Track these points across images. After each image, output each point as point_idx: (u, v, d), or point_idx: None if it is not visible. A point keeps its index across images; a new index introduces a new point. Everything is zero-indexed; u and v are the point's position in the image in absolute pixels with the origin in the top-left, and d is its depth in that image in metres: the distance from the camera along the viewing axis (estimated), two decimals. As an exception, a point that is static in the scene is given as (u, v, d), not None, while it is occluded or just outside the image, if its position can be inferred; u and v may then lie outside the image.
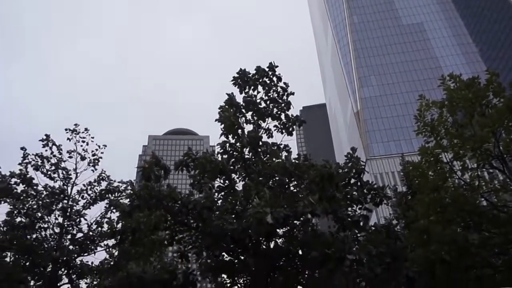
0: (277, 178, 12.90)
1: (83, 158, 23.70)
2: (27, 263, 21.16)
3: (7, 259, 21.21)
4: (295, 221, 12.56)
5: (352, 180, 12.99)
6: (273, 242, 13.96)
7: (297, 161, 12.62)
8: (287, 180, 12.91)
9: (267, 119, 14.91)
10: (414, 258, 14.24)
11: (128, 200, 11.83)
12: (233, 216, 11.56)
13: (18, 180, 21.29)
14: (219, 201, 13.55)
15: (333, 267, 9.17)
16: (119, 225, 15.89)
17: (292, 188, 13.25)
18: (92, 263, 22.44)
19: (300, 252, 13.02)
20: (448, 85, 14.42)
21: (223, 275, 15.69)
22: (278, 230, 12.30)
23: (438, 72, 74.94)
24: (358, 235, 12.80)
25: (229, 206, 11.39)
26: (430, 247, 13.25)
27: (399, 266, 10.83)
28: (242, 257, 13.74)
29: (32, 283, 20.89)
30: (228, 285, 15.65)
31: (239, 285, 15.91)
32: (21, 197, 21.17)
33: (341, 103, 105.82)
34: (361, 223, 10.39)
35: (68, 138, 23.41)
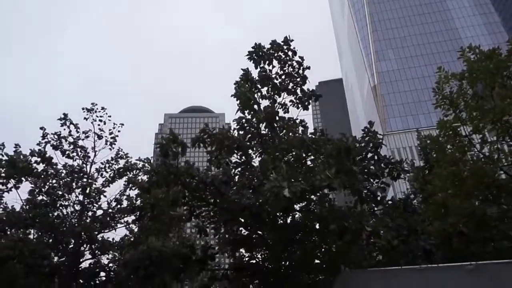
0: (293, 153, 12.90)
1: (100, 137, 24.06)
2: (50, 240, 21.81)
3: (31, 236, 21.90)
4: (312, 196, 12.60)
5: (369, 155, 12.92)
6: (290, 216, 14.07)
7: (313, 136, 12.59)
8: (304, 155, 12.90)
9: (282, 94, 14.82)
10: (431, 231, 14.23)
11: (146, 176, 12.00)
12: (250, 191, 11.64)
13: (38, 159, 21.74)
14: (236, 177, 13.66)
15: (350, 239, 9.21)
16: (138, 202, 16.23)
17: (309, 163, 13.25)
18: (113, 239, 23.07)
19: (318, 227, 13.10)
20: (467, 56, 14.06)
21: (241, 250, 15.95)
22: (295, 205, 12.36)
23: (457, 44, 73.10)
24: (375, 209, 12.79)
25: (246, 181, 11.48)
26: (448, 220, 13.20)
27: (416, 238, 10.83)
28: (260, 232, 13.89)
29: (55, 259, 21.54)
30: (246, 259, 15.92)
31: (256, 259, 16.16)
32: (42, 176, 21.65)
33: (357, 77, 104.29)
34: (378, 195, 10.35)
35: (84, 118, 23.73)
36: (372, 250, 14.02)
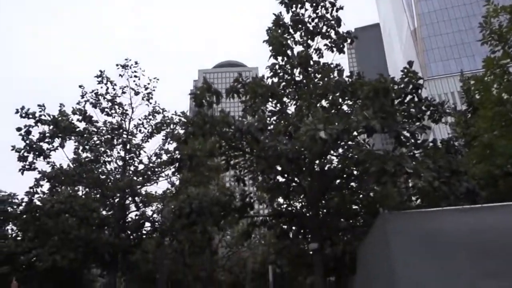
0: (329, 98, 12.61)
1: (136, 93, 24.42)
2: (98, 195, 22.86)
3: (79, 193, 23.03)
4: (349, 142, 12.39)
5: (409, 97, 12.40)
6: (327, 164, 13.99)
7: (349, 80, 12.18)
8: (339, 100, 12.59)
9: (316, 38, 14.30)
10: (476, 173, 13.79)
11: (182, 127, 12.10)
12: (286, 137, 11.55)
13: (80, 118, 22.42)
14: (272, 126, 13.57)
15: (389, 181, 9.02)
16: (177, 154, 16.56)
17: (345, 108, 12.94)
18: (155, 192, 23.94)
19: (355, 172, 12.96)
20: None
21: (279, 198, 16.14)
22: (332, 149, 12.22)
23: (505, -23, 67.74)
24: (415, 152, 12.42)
25: (282, 128, 11.36)
26: (494, 161, 12.70)
27: (459, 180, 10.46)
28: (297, 179, 13.93)
29: (104, 212, 22.63)
30: (284, 206, 16.15)
31: (294, 207, 16.37)
32: (84, 135, 22.39)
33: (396, 21, 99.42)
34: (418, 138, 9.96)
35: (120, 75, 24.02)
36: (412, 194, 13.82)
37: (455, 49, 78.31)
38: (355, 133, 11.30)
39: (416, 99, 12.06)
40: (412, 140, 11.45)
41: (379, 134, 10.80)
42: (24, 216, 20.48)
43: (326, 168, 13.47)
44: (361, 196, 15.34)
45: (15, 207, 21.07)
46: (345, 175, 13.30)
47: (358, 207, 15.53)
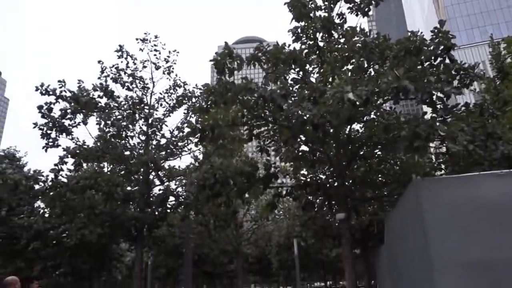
0: (355, 61, 12.08)
1: (157, 68, 24.21)
2: (123, 171, 23.02)
3: (105, 169, 23.23)
4: (378, 105, 11.89)
5: (439, 60, 11.78)
6: (354, 132, 13.57)
7: (376, 41, 11.58)
8: (366, 64, 12.05)
9: (339, 2, 13.68)
10: (510, 137, 13.18)
11: (204, 96, 11.81)
12: (311, 103, 11.12)
13: (101, 94, 22.38)
14: (295, 94, 13.15)
15: (422, 145, 8.57)
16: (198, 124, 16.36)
17: (372, 73, 12.40)
18: (179, 166, 23.97)
19: (383, 140, 12.50)
20: None
21: (303, 169, 15.84)
22: (359, 116, 11.77)
23: None
24: (446, 117, 11.89)
25: (305, 94, 10.93)
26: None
27: (495, 143, 9.94)
28: (322, 149, 13.59)
29: (129, 188, 22.80)
30: (309, 177, 15.85)
31: (319, 178, 16.05)
32: (106, 110, 22.38)
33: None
34: (454, 98, 9.39)
35: (140, 49, 23.81)
36: (442, 161, 13.32)
37: (479, 17, 75.61)
38: (384, 99, 10.86)
39: (448, 60, 11.45)
40: (442, 106, 10.94)
41: (401, 105, 10.32)
42: (51, 193, 20.75)
43: (352, 136, 13.04)
44: (388, 165, 14.91)
45: (41, 184, 21.39)
46: (372, 143, 12.86)
47: (385, 176, 15.11)
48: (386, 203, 17.53)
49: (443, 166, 13.71)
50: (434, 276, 5.94)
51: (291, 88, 12.86)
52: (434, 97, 9.75)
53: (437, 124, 9.21)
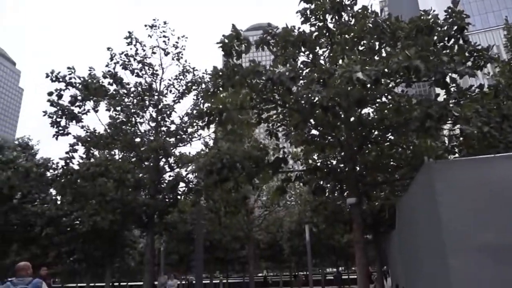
0: (365, 43, 11.77)
1: (166, 54, 24.06)
2: (134, 159, 23.09)
3: (116, 157, 23.30)
4: (390, 89, 11.60)
5: (452, 41, 11.42)
6: (365, 114, 13.31)
7: (387, 22, 11.25)
8: (377, 45, 11.74)
9: (350, -18, 13.28)
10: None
11: (211, 79, 11.63)
12: (320, 86, 10.89)
13: (111, 81, 22.34)
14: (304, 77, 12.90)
15: (434, 126, 8.33)
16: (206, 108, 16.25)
17: (383, 55, 12.08)
18: (189, 153, 23.95)
19: (394, 123, 12.23)
20: None
21: (313, 153, 15.63)
22: (370, 100, 11.50)
23: None
24: (460, 100, 11.58)
25: (315, 76, 10.69)
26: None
27: (510, 125, 9.66)
28: (332, 133, 13.38)
29: (140, 175, 22.86)
30: (319, 162, 15.66)
31: (329, 162, 15.85)
32: (116, 97, 22.36)
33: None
34: (467, 77, 9.08)
35: (149, 35, 23.68)
36: (455, 145, 13.02)
37: (494, 1, 73.68)
38: (395, 81, 10.58)
39: (461, 40, 11.11)
40: (456, 88, 10.63)
41: (413, 88, 10.00)
42: (62, 180, 20.91)
43: (363, 119, 12.78)
44: (400, 149, 14.65)
45: (51, 171, 21.58)
46: (383, 127, 12.60)
47: (397, 160, 14.85)
48: (398, 188, 17.26)
49: (456, 149, 13.41)
50: (448, 260, 5.78)
51: (300, 71, 12.63)
52: (448, 78, 9.45)
53: (451, 105, 8.95)
